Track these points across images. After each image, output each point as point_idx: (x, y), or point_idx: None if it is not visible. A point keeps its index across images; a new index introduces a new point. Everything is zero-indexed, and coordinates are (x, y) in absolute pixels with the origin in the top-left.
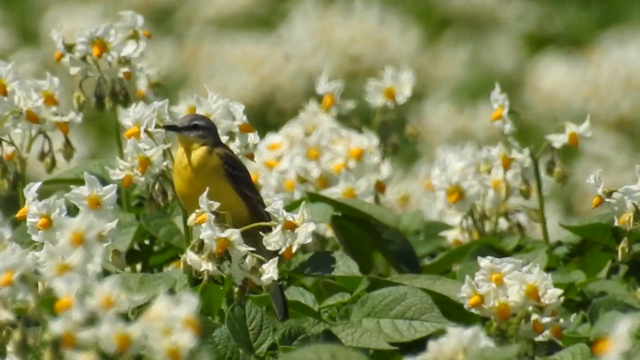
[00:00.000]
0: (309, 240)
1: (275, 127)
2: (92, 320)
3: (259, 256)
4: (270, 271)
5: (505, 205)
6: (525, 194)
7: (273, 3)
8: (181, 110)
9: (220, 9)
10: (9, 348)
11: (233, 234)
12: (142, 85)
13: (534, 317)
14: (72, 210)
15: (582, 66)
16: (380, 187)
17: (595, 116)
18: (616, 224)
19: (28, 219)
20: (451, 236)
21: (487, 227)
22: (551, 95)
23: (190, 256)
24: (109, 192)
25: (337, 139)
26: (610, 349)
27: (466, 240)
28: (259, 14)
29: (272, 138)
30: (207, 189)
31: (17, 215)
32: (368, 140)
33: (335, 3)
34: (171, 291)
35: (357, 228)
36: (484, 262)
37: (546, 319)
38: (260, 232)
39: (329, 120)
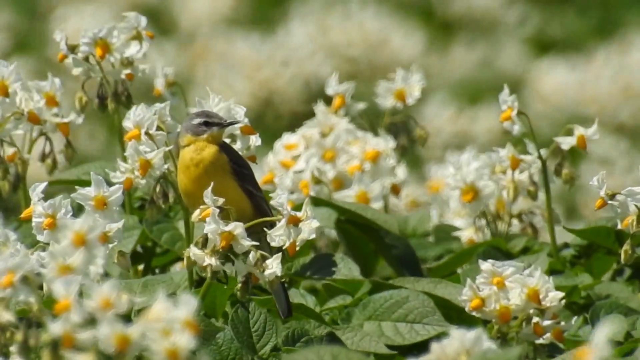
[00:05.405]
0: (313, 236)
1: (273, 130)
2: (92, 321)
3: (263, 252)
4: (274, 266)
5: (526, 202)
6: (533, 195)
7: (271, 6)
8: None
9: (218, 11)
10: (13, 349)
11: (237, 228)
12: (159, 83)
13: (535, 319)
14: (78, 211)
15: (581, 71)
16: (395, 190)
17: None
18: (619, 227)
19: (34, 219)
20: (465, 236)
21: (500, 227)
22: (550, 98)
23: (194, 251)
24: (115, 193)
25: (353, 140)
26: (589, 356)
27: (480, 240)
28: (258, 17)
29: (289, 138)
30: (212, 184)
31: (22, 215)
32: (384, 143)
33: (335, 6)
34: (174, 293)
35: (360, 232)
36: (485, 265)
37: (547, 322)
38: (265, 229)
39: (345, 122)
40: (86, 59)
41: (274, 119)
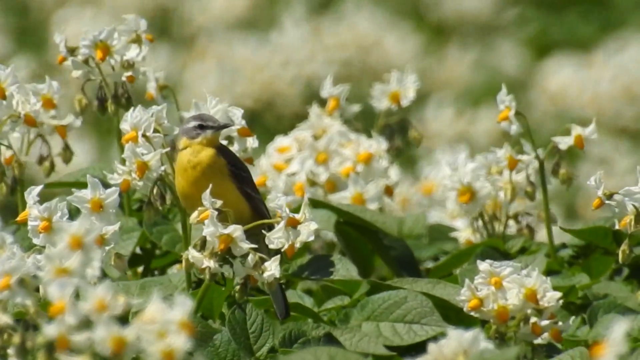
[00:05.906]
0: (312, 238)
1: (265, 132)
2: (88, 323)
3: (261, 254)
4: (272, 268)
5: (522, 203)
6: (530, 196)
7: (266, 8)
8: None
9: (212, 14)
10: (10, 351)
11: (236, 230)
12: (151, 87)
13: (533, 319)
14: (74, 214)
15: (583, 71)
16: (388, 191)
17: (597, 121)
18: (617, 227)
19: (29, 222)
20: (463, 237)
21: (497, 228)
22: (554, 98)
23: (192, 253)
24: (111, 195)
25: (346, 142)
26: (606, 352)
27: (477, 241)
28: (254, 19)
29: (281, 141)
30: (210, 186)
31: (18, 218)
32: (377, 144)
33: (328, 8)
34: (171, 295)
35: (358, 233)
36: (483, 265)
37: (545, 322)
38: (263, 231)
39: (338, 124)
40: (86, 61)
41: (270, 120)
